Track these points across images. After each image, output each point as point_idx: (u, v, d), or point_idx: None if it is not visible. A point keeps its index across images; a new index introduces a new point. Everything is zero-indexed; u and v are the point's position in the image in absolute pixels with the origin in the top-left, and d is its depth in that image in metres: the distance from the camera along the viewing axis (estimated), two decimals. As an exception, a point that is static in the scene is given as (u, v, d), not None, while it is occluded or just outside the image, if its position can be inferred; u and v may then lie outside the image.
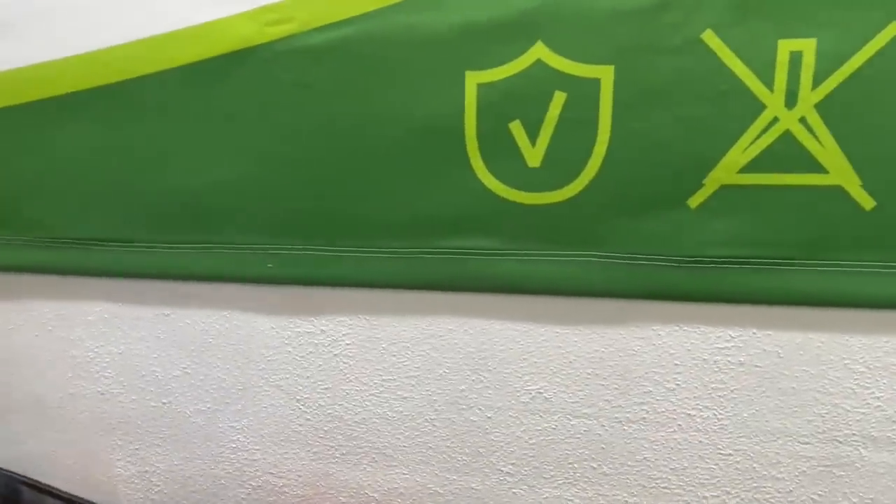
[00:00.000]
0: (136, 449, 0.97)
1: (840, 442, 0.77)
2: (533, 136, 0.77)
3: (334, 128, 0.81)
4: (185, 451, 0.95)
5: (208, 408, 0.93)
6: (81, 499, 0.98)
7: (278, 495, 0.94)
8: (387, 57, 0.78)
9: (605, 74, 0.74)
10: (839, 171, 0.71)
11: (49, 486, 0.99)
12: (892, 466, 0.76)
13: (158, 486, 0.98)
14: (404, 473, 0.89)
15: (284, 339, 0.89)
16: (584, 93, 0.74)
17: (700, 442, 0.80)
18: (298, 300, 0.87)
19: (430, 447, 0.88)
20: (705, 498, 0.81)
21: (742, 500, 0.80)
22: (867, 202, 0.71)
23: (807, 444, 0.78)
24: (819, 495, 0.78)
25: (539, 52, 0.75)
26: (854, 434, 0.76)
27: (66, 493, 0.99)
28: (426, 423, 0.87)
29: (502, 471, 0.86)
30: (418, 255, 0.82)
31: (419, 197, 0.81)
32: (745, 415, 0.78)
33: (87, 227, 0.91)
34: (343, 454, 0.90)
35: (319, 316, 0.87)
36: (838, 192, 0.72)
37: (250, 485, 0.94)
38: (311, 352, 0.88)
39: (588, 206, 0.77)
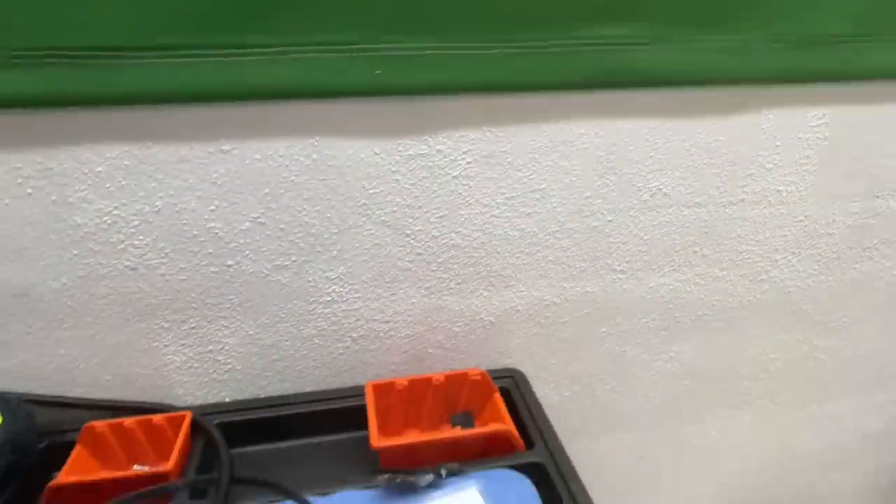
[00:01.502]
0: (192, 328, 0.77)
1: (877, 196, 0.93)
2: None
3: None
4: (264, 317, 0.79)
5: (293, 261, 0.76)
6: (117, 402, 0.78)
7: (383, 340, 0.84)
8: None
9: None
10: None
11: (67, 398, 0.76)
12: (906, 210, 0.95)
13: (228, 363, 0.81)
14: (521, 291, 0.86)
15: (391, 167, 0.74)
16: None
17: (782, 213, 0.91)
18: (410, 116, 0.72)
19: (550, 260, 0.85)
20: (776, 261, 0.94)
21: (802, 257, 0.95)
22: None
23: (856, 202, 0.93)
24: (855, 242, 0.96)
25: None
26: (887, 189, 0.93)
27: (93, 400, 0.77)
28: (548, 237, 0.83)
29: (616, 269, 0.88)
30: (556, 49, 0.72)
31: (562, -24, 0.69)
32: (820, 184, 0.90)
33: (87, 30, 0.60)
34: (458, 284, 0.83)
35: (436, 133, 0.73)
36: (926, -32, 0.79)
37: (350, 337, 0.83)
38: (424, 177, 0.75)
39: (734, -15, 0.73)
